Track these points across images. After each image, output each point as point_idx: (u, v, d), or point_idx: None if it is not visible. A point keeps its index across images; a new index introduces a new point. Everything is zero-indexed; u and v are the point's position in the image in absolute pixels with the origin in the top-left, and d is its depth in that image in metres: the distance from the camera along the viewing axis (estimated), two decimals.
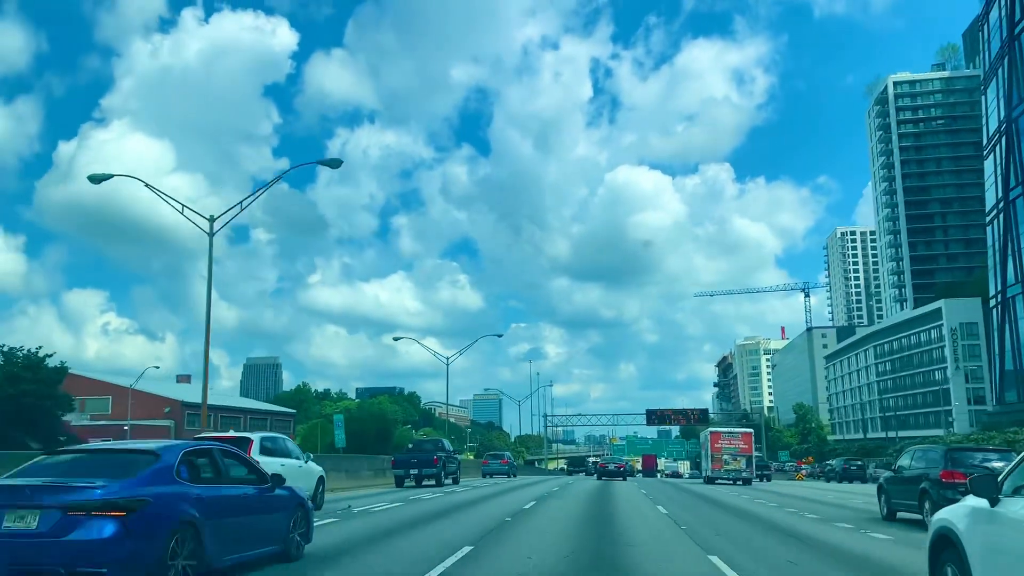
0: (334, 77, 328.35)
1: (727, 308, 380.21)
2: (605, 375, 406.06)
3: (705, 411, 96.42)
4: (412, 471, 31.42)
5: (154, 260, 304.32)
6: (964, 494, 7.34)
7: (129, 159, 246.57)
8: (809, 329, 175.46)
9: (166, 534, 7.21)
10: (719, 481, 38.34)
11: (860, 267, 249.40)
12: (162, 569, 7.11)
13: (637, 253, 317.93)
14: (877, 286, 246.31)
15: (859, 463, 56.46)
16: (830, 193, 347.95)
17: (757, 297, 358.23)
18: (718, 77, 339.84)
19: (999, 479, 5.36)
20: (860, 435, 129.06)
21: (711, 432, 41.41)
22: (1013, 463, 5.41)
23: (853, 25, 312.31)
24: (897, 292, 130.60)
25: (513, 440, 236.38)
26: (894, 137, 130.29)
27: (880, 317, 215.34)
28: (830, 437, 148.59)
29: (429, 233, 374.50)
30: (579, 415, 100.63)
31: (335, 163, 29.74)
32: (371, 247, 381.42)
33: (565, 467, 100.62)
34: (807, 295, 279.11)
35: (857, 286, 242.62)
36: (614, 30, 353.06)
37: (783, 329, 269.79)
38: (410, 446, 37.16)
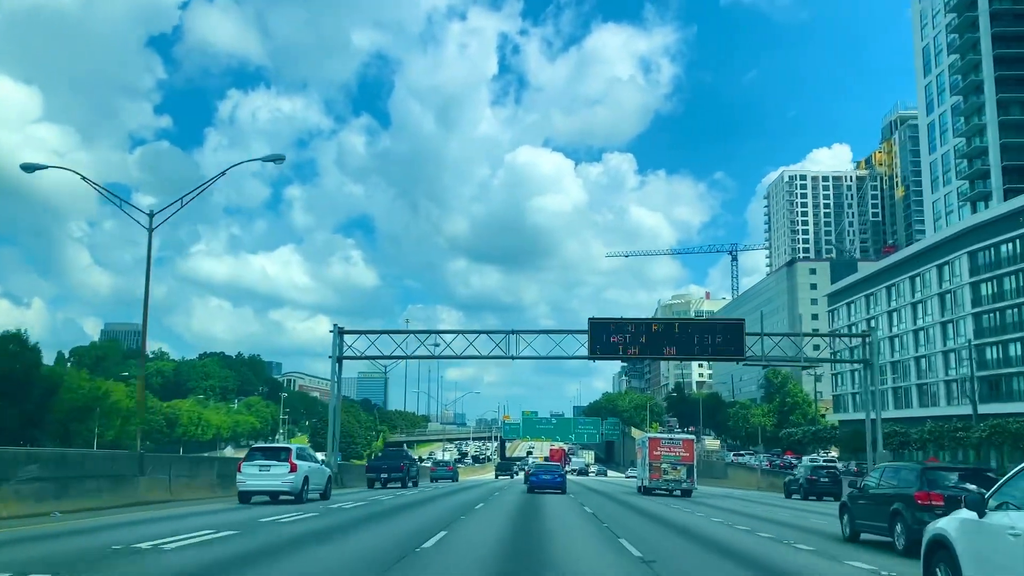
0: (225, 31, 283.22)
1: (622, 295, 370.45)
2: (500, 360, 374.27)
3: (740, 323, 38.12)
4: (383, 475, 37.24)
5: (18, 217, 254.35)
6: (942, 516, 9.34)
7: None
8: (793, 261, 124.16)
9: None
10: (656, 492, 34.01)
11: (810, 215, 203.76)
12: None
13: (536, 237, 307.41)
14: (826, 231, 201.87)
15: (832, 471, 37.70)
16: (727, 189, 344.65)
17: (652, 285, 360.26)
18: (626, 64, 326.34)
19: (986, 496, 6.64)
20: (907, 411, 78.45)
21: (650, 438, 36.09)
22: (997, 484, 6.76)
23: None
24: (969, 186, 79.95)
25: (375, 418, 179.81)
26: None
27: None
28: (831, 417, 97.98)
29: (322, 206, 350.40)
30: (428, 332, 41.54)
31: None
32: (260, 217, 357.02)
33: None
34: (734, 257, 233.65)
35: (806, 236, 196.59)
36: (523, 6, 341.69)
37: (707, 293, 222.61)
38: (379, 455, 48.64)
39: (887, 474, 14.92)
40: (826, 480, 36.16)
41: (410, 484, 37.76)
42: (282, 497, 21.67)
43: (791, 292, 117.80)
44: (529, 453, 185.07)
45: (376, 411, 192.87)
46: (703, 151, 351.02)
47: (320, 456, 28.89)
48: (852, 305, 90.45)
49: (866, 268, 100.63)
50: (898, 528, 13.40)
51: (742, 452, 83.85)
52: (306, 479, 22.00)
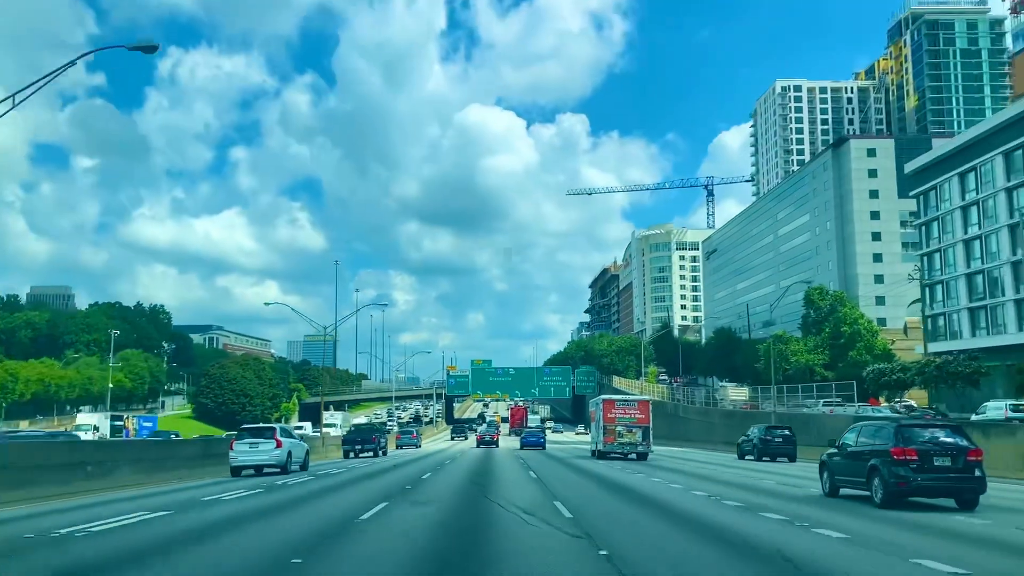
0: None
1: (574, 258, 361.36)
2: (454, 324, 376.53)
3: None
4: (357, 446, 40.70)
5: None
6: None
7: None
8: (842, 140, 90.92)
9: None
10: (611, 456, 33.93)
11: (805, 132, 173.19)
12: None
13: (487, 198, 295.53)
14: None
15: (786, 432, 35.81)
16: (678, 151, 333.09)
17: (606, 247, 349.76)
18: (578, 20, 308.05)
19: None
20: None
21: (604, 400, 35.55)
22: None
23: None
24: None
25: (288, 373, 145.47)
26: None
27: None
28: (930, 345, 66.13)
29: (267, 168, 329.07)
30: None
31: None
32: (203, 180, 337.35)
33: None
34: (710, 192, 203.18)
35: (801, 157, 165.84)
36: None
37: (684, 230, 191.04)
38: (352, 429, 49.91)
39: (864, 432, 15.24)
40: (779, 440, 35.28)
41: (380, 453, 40.69)
42: (266, 470, 24.21)
43: (840, 183, 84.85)
44: (485, 407, 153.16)
45: (290, 365, 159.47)
46: (656, 112, 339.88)
47: None
48: (954, 184, 57.63)
49: (943, 145, 67.94)
50: (875, 483, 13.88)
51: (833, 401, 51.55)
52: (290, 453, 24.51)
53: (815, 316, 78.65)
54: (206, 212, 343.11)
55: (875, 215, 79.78)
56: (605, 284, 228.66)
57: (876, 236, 78.83)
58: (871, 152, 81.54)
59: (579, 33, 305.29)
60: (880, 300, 76.18)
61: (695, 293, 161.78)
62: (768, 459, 34.38)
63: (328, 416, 75.30)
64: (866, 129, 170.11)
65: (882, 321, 75.86)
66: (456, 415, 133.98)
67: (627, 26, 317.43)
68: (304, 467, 25.83)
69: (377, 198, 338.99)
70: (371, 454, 39.96)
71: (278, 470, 23.81)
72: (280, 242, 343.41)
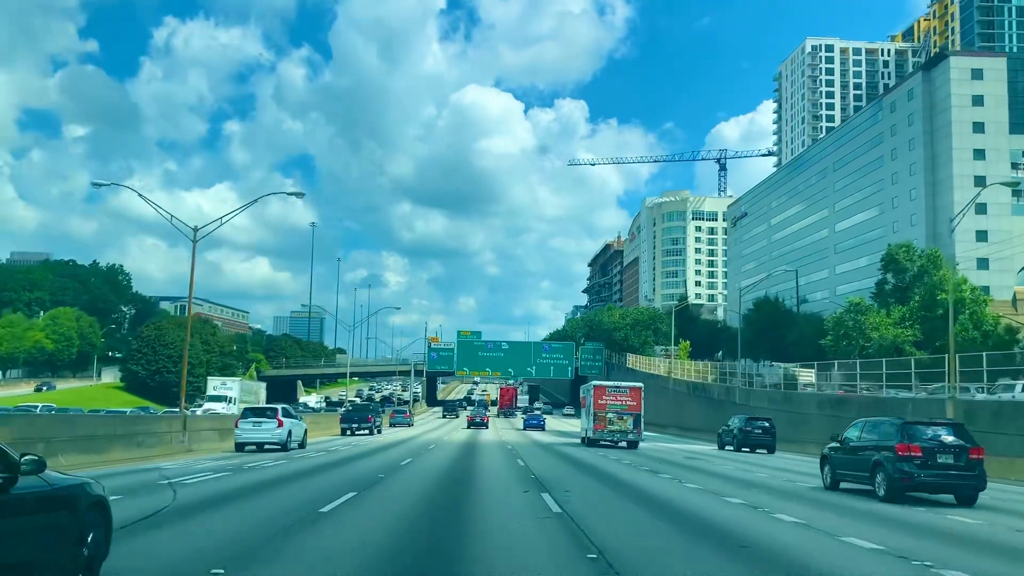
0: None
1: (568, 244, 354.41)
2: (445, 307, 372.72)
3: None
4: (353, 424, 42.97)
5: None
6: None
7: None
8: (939, 58, 71.71)
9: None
10: (601, 443, 33.13)
11: (836, 91, 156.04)
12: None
13: (482, 180, 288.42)
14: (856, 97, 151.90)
15: (766, 423, 34.86)
16: (676, 141, 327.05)
17: (598, 234, 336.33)
18: (580, 2, 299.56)
19: None
20: None
21: (595, 386, 34.70)
22: None
23: None
24: None
25: (245, 342, 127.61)
26: None
27: None
28: None
29: (260, 143, 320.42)
30: None
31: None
32: (195, 153, 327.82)
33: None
34: (723, 167, 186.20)
35: (831, 124, 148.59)
36: None
37: (702, 197, 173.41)
38: (351, 408, 54.11)
39: (867, 428, 15.53)
40: (759, 432, 34.75)
41: (376, 432, 43.57)
42: (267, 447, 25.54)
43: (932, 115, 65.88)
44: (475, 385, 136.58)
45: (262, 335, 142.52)
46: (656, 101, 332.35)
47: None
48: None
49: None
50: (879, 477, 14.16)
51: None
52: (290, 432, 26.20)
53: (897, 282, 61.32)
54: (197, 185, 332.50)
55: (979, 154, 62.12)
56: (607, 261, 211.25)
57: (979, 181, 61.37)
58: (976, 74, 63.42)
59: (580, 15, 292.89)
60: (982, 263, 58.72)
61: (711, 268, 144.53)
62: (747, 450, 34.12)
63: (217, 387, 57.23)
64: None
65: (984, 290, 58.35)
66: (440, 396, 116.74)
67: (629, 11, 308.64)
68: (302, 445, 27.46)
69: (370, 177, 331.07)
70: (367, 432, 42.13)
71: (278, 448, 25.38)
72: (271, 219, 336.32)
